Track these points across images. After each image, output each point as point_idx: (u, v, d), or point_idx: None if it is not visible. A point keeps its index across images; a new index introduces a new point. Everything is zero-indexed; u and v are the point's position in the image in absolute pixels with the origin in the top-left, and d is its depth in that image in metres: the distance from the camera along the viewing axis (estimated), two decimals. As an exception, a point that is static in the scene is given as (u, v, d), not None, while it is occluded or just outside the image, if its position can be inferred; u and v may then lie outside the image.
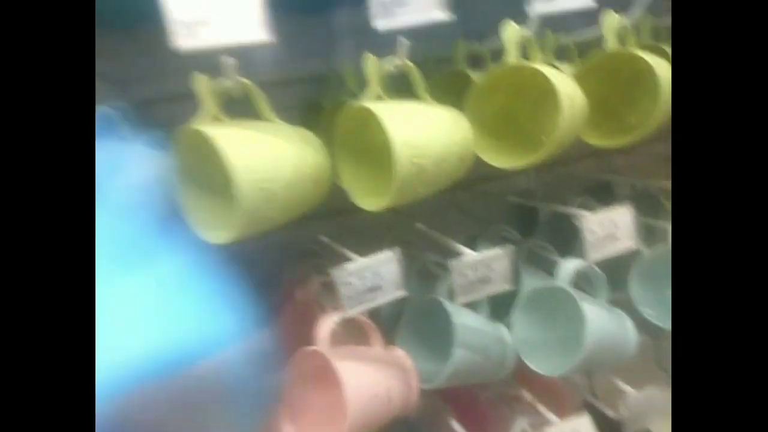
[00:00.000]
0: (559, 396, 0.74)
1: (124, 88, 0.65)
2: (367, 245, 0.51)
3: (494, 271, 0.48)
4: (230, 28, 0.37)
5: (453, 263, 0.46)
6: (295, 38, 0.65)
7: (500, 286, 0.49)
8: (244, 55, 0.46)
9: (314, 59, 0.70)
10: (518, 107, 0.55)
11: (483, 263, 0.47)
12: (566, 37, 0.63)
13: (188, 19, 0.35)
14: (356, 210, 0.79)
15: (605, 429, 0.60)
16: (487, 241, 0.69)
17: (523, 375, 0.72)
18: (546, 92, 0.46)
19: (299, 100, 0.70)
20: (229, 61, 0.40)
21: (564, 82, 0.46)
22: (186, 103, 0.46)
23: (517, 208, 0.93)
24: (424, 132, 0.42)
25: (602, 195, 0.81)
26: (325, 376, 0.49)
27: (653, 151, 0.93)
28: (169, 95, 0.64)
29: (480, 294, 0.48)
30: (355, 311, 0.44)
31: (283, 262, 0.75)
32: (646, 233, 0.74)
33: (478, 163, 0.57)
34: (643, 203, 0.79)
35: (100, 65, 0.56)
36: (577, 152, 0.95)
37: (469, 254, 0.47)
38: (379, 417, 0.49)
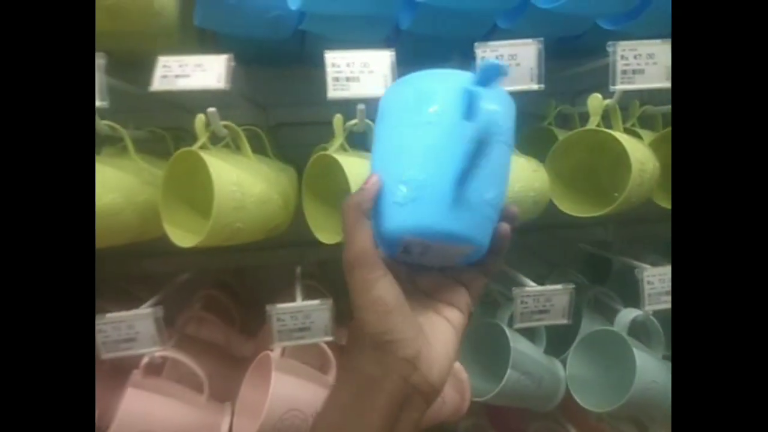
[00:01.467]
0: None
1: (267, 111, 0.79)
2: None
3: (553, 304, 0.54)
4: (373, 85, 0.48)
5: (516, 291, 0.53)
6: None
7: (557, 319, 0.54)
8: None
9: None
10: (596, 165, 0.61)
11: (543, 295, 0.53)
12: (653, 107, 0.68)
13: (341, 75, 0.47)
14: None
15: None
16: (554, 282, 0.74)
17: (574, 415, 0.75)
18: (620, 155, 0.53)
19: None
20: (362, 107, 0.50)
21: (636, 148, 0.52)
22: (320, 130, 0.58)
23: (590, 257, 0.96)
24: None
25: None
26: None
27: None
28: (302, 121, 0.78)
29: (537, 323, 0.55)
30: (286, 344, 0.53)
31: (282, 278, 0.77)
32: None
33: (559, 211, 0.62)
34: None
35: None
36: (656, 215, 0.97)
37: (531, 285, 0.54)
38: (432, 417, 0.57)
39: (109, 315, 0.50)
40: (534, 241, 0.92)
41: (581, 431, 0.72)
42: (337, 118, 0.52)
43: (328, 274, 0.87)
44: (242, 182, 0.47)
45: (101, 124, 0.48)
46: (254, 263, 0.81)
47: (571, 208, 0.57)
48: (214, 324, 0.74)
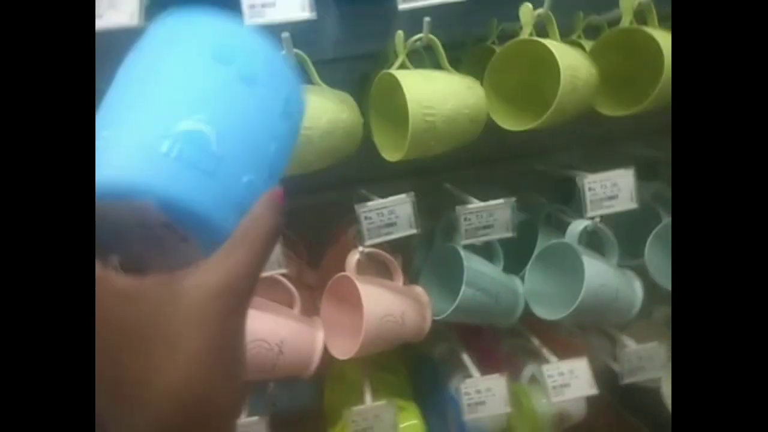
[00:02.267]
0: (567, 348, 0.79)
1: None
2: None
3: (496, 219, 0.55)
4: (291, 10, 0.48)
5: (459, 209, 0.55)
6: (352, 21, 0.76)
7: (501, 233, 0.56)
8: (304, 35, 0.57)
9: (369, 40, 0.80)
10: (537, 81, 0.61)
11: (486, 211, 0.55)
12: (597, 16, 0.67)
13: (256, 2, 0.47)
14: (398, 177, 0.90)
15: (605, 379, 0.65)
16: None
17: (544, 332, 0.78)
18: (552, 64, 0.53)
19: (357, 74, 0.81)
20: (286, 35, 0.51)
21: (567, 53, 0.52)
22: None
23: (558, 183, 0.97)
24: (436, 94, 0.51)
25: (646, 173, 0.83)
26: (353, 298, 0.60)
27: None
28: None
29: (483, 238, 0.56)
30: (373, 241, 0.55)
31: (332, 216, 0.87)
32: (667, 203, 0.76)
33: (520, 139, 0.63)
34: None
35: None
36: (625, 133, 0.97)
37: (474, 203, 0.55)
38: (392, 335, 0.60)
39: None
40: (499, 172, 0.93)
41: (553, 347, 0.75)
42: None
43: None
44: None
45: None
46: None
47: (511, 124, 0.58)
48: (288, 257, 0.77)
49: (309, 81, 0.58)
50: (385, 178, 0.90)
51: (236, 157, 0.23)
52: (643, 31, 0.56)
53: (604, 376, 0.65)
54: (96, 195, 0.20)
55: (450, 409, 0.73)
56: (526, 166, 0.91)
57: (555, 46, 0.52)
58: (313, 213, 0.92)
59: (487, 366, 0.71)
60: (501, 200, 0.55)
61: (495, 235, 0.56)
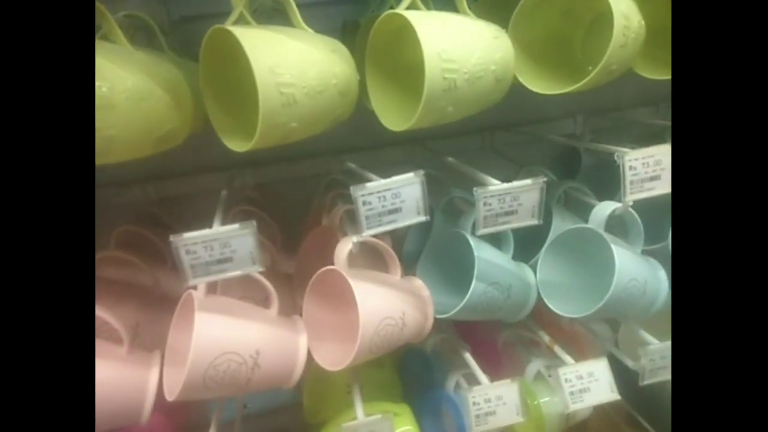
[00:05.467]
0: (581, 344, 0.73)
1: (167, 5, 0.65)
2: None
3: (521, 203, 0.45)
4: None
5: (478, 191, 0.45)
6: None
7: (526, 220, 0.47)
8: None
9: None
10: (568, 31, 0.51)
11: (510, 194, 0.45)
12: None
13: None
14: (386, 145, 0.78)
15: (624, 378, 0.59)
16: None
17: (544, 320, 0.71)
18: (600, 13, 0.42)
19: (338, 21, 0.68)
20: None
21: (622, 2, 0.41)
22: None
23: (560, 153, 0.88)
24: (459, 45, 0.40)
25: (654, 144, 0.76)
26: (342, 295, 0.49)
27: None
28: (209, 13, 0.64)
29: (504, 226, 0.47)
30: (372, 232, 0.44)
31: (312, 191, 0.75)
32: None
33: (520, 103, 0.53)
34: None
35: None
36: (631, 99, 0.89)
37: (496, 184, 0.45)
38: (391, 339, 0.50)
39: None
40: (497, 140, 0.84)
41: (554, 336, 0.68)
42: None
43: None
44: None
45: None
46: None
47: (538, 85, 0.47)
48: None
49: (290, 23, 0.45)
50: (370, 147, 0.79)
51: None
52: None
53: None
54: None
55: (446, 408, 0.66)
56: (523, 135, 0.82)
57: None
58: (286, 187, 0.81)
59: (484, 359, 0.63)
60: (528, 181, 0.45)
61: (519, 223, 0.46)
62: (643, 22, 0.45)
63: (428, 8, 0.46)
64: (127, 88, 0.35)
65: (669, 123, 0.83)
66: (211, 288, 0.50)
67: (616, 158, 0.47)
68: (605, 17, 0.41)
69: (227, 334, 0.45)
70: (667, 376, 0.57)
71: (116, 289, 0.60)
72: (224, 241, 0.41)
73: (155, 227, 0.68)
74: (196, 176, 0.73)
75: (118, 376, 0.48)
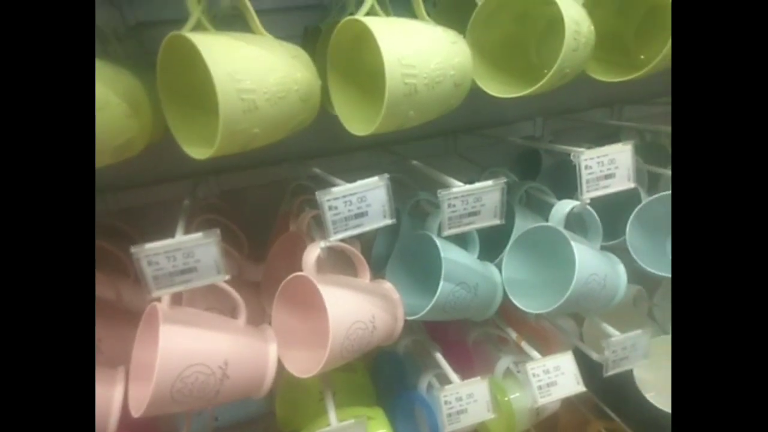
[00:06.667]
0: (548, 339, 0.75)
1: (122, 10, 0.63)
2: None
3: (484, 204, 0.46)
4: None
5: (443, 194, 0.45)
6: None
7: (489, 220, 0.48)
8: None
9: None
10: (523, 35, 0.52)
11: (472, 195, 0.46)
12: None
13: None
14: (352, 150, 0.79)
15: (589, 370, 0.61)
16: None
17: (512, 317, 0.72)
18: (553, 20, 0.44)
19: (300, 27, 0.68)
20: None
21: (573, 9, 0.43)
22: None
23: (521, 154, 0.91)
24: (419, 51, 0.41)
25: (609, 143, 0.79)
26: (311, 302, 0.49)
27: (665, 101, 0.89)
28: (166, 19, 0.63)
29: (468, 227, 0.48)
30: (339, 236, 0.44)
31: (279, 197, 0.75)
32: (651, 183, 0.72)
33: (482, 107, 0.54)
34: (651, 153, 0.77)
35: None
36: (588, 101, 0.92)
37: (459, 186, 0.46)
38: (362, 343, 0.50)
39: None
40: (460, 143, 0.85)
41: (522, 333, 0.69)
42: None
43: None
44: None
45: None
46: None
47: (497, 89, 0.49)
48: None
49: (249, 30, 0.45)
50: (336, 152, 0.79)
51: None
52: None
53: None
54: None
55: (420, 408, 0.66)
56: (486, 138, 0.84)
57: (559, -4, 0.43)
58: (251, 194, 0.80)
59: (455, 359, 0.64)
60: (489, 182, 0.46)
61: (482, 223, 0.47)
62: (592, 27, 0.47)
63: (387, 14, 0.47)
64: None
65: (623, 123, 0.87)
66: (176, 299, 0.49)
67: (572, 158, 0.49)
68: (558, 23, 0.43)
69: (194, 345, 0.44)
70: (629, 366, 0.59)
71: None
72: (187, 251, 0.40)
73: (116, 239, 0.66)
74: (157, 186, 0.71)
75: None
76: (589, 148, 0.50)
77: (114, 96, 0.37)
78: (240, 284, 0.59)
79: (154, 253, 0.39)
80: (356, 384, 0.73)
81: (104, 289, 0.61)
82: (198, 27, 0.41)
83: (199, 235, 0.40)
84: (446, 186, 0.47)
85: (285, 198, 0.74)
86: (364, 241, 0.62)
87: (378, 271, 0.62)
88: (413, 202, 0.64)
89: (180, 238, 0.40)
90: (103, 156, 0.38)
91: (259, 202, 0.78)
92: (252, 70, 0.36)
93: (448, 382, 0.58)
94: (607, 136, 0.88)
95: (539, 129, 0.89)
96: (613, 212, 0.62)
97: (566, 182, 0.64)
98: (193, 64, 0.37)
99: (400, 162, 0.72)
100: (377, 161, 0.78)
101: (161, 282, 0.40)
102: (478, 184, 0.46)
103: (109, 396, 0.48)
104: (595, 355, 0.62)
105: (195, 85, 0.43)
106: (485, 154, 0.86)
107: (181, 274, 0.41)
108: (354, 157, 0.78)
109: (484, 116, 0.86)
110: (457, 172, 0.53)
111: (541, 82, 0.44)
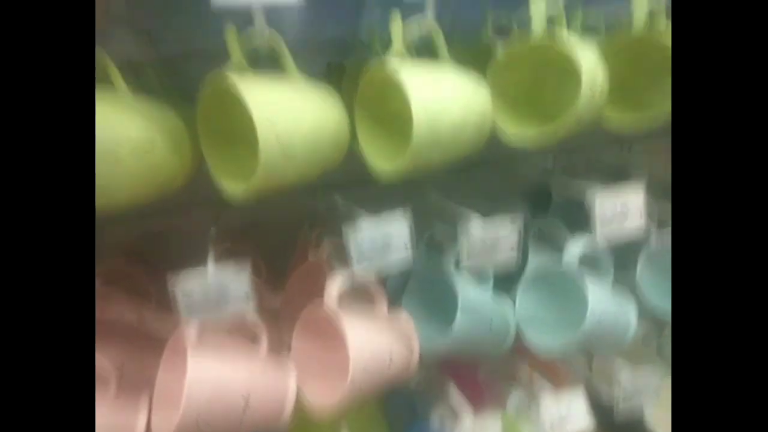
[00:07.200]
0: (558, 374, 0.75)
1: (157, 44, 0.66)
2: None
3: (502, 239, 0.48)
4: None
5: (462, 227, 0.47)
6: (321, 2, 0.66)
7: (507, 255, 0.49)
8: (271, 18, 0.47)
9: (341, 23, 0.70)
10: (540, 82, 0.55)
11: (491, 229, 0.48)
12: (596, 10, 0.62)
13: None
14: (371, 182, 0.81)
15: (599, 407, 0.61)
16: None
17: (523, 352, 0.73)
18: (569, 71, 0.46)
19: (323, 64, 0.71)
20: (259, 12, 0.41)
21: (588, 60, 0.46)
22: (218, 60, 0.47)
23: (533, 190, 0.93)
24: (443, 98, 0.43)
25: (620, 181, 0.81)
26: (331, 333, 0.50)
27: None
28: (201, 52, 0.66)
29: (486, 261, 0.49)
30: (362, 267, 0.46)
31: (299, 227, 0.76)
32: (661, 222, 0.73)
33: (497, 143, 0.56)
34: (660, 191, 0.79)
35: (137, 19, 0.58)
36: (599, 139, 0.94)
37: (478, 220, 0.48)
38: (379, 378, 0.51)
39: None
40: (476, 177, 0.87)
41: (533, 367, 0.70)
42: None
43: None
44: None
45: None
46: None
47: (514, 134, 0.51)
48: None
49: (281, 69, 0.47)
50: (352, 183, 0.81)
51: None
52: (655, 37, 0.51)
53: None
54: None
55: (431, 443, 0.66)
56: (497, 172, 0.86)
57: (576, 52, 0.45)
58: (270, 222, 0.82)
59: (466, 392, 0.65)
60: (508, 217, 0.48)
61: (500, 257, 0.49)
62: (606, 74, 0.50)
63: (410, 52, 0.50)
64: (131, 139, 0.37)
65: (632, 162, 0.89)
66: (201, 325, 0.51)
67: (588, 197, 0.50)
68: (573, 73, 0.45)
69: (220, 375, 0.45)
70: (639, 402, 0.59)
71: (100, 328, 0.59)
72: (220, 281, 0.42)
73: (137, 263, 0.68)
74: (178, 212, 0.73)
75: (105, 421, 0.47)
76: (602, 185, 0.52)
77: (159, 136, 0.39)
78: (260, 311, 0.60)
79: (188, 281, 0.41)
80: (367, 416, 0.73)
81: (127, 312, 0.62)
82: (236, 65, 0.43)
83: (232, 265, 0.42)
84: (463, 218, 0.49)
85: (303, 227, 0.75)
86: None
87: (392, 299, 0.64)
88: (429, 234, 0.65)
89: (213, 268, 0.42)
90: (147, 194, 0.40)
91: (275, 227, 0.80)
92: (289, 114, 0.39)
93: (460, 415, 0.58)
94: (616, 173, 0.90)
95: (550, 161, 0.91)
96: (624, 247, 0.63)
97: (578, 218, 0.65)
98: (229, 101, 0.40)
99: (418, 194, 0.74)
100: (392, 190, 0.80)
101: (193, 310, 0.42)
102: (496, 219, 0.48)
103: (133, 424, 0.49)
104: (605, 390, 0.62)
105: (228, 119, 0.46)
106: (498, 187, 0.88)
107: (214, 304, 0.42)
108: (371, 188, 0.80)
109: (498, 150, 0.88)
110: (471, 206, 0.54)
111: (558, 132, 0.46)
